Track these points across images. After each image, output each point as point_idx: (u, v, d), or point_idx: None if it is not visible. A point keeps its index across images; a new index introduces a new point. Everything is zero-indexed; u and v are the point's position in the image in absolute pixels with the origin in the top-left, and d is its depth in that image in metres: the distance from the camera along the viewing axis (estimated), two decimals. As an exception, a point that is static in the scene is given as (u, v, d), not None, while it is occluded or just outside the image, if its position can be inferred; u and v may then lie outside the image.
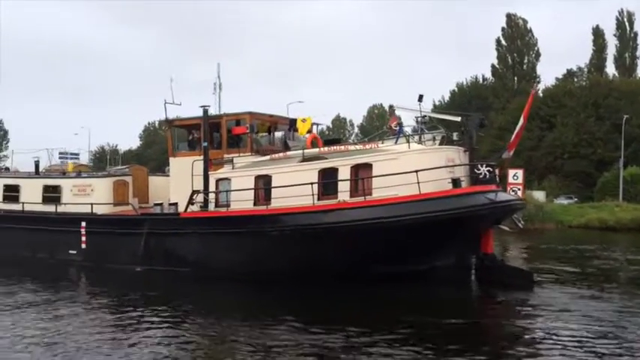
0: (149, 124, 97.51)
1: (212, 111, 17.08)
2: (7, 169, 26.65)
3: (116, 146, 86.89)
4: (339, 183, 14.27)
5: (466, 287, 14.18)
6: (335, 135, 72.51)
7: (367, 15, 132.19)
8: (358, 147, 14.77)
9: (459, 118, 15.35)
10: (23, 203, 19.15)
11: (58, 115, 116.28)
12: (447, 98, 70.64)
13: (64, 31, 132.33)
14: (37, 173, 20.94)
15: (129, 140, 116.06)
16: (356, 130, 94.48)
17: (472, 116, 15.26)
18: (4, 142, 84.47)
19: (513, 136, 15.42)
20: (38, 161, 20.77)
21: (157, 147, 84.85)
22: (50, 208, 18.67)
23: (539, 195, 41.64)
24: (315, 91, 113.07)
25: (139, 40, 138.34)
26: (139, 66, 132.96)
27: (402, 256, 13.80)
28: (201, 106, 16.28)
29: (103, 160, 68.81)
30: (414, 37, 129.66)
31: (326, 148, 15.17)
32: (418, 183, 13.04)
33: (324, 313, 11.47)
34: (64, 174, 20.21)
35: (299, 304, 12.46)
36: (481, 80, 70.11)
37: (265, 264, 14.43)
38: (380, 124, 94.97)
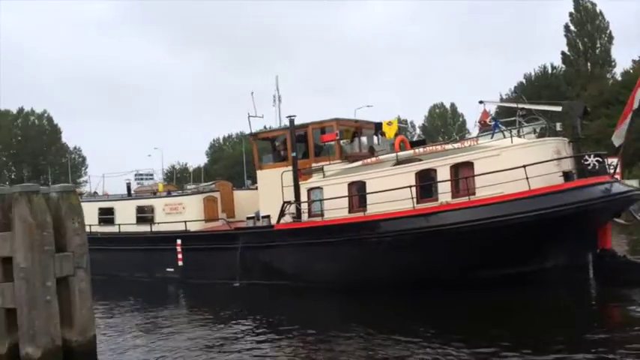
0: (214, 140, 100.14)
1: (272, 123, 17.14)
2: (95, 193, 27.77)
3: (185, 164, 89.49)
4: (439, 184, 13.72)
5: (586, 288, 13.17)
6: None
7: (418, 15, 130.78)
8: (455, 146, 14.15)
9: (559, 108, 14.42)
10: (119, 225, 19.73)
11: (131, 140, 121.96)
12: (512, 91, 68.13)
13: (126, 63, 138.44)
14: (129, 195, 21.61)
15: (197, 158, 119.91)
16: (418, 131, 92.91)
17: (575, 104, 14.32)
18: (83, 167, 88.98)
19: (621, 122, 14.33)
20: (130, 183, 21.43)
21: (222, 163, 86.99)
22: (145, 228, 19.15)
23: (634, 183, 39.11)
24: (369, 95, 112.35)
25: (193, 62, 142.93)
26: (196, 85, 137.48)
27: (512, 257, 13.02)
28: (288, 117, 16.21)
29: (173, 179, 70.94)
30: (468, 34, 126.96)
31: (421, 149, 14.67)
32: (527, 179, 12.30)
33: (433, 322, 10.90)
34: (154, 194, 20.73)
35: (404, 313, 11.98)
36: (550, 69, 67.14)
37: (365, 273, 14.06)
38: (442, 123, 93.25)
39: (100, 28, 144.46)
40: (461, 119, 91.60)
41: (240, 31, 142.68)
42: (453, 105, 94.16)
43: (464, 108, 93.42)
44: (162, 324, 12.14)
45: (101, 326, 10.66)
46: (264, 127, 17.95)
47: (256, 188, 21.12)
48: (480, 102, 16.37)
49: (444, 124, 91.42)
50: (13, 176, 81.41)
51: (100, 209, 21.05)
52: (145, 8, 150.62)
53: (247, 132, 18.58)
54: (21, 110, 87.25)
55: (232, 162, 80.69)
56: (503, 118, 16.04)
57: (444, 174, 13.67)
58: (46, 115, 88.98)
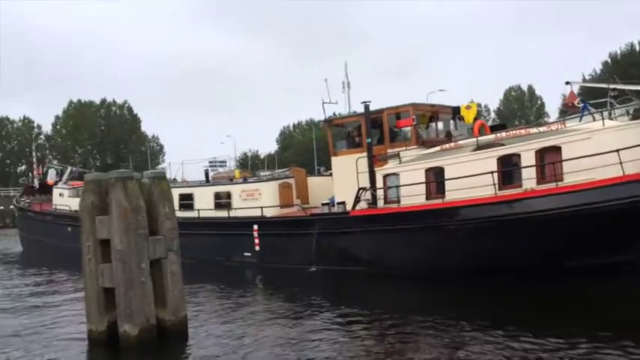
0: (284, 127, 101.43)
1: (341, 109, 16.99)
2: (174, 180, 28.89)
3: (257, 151, 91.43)
4: (523, 170, 13.16)
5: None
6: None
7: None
8: (541, 129, 13.49)
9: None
10: (198, 210, 20.42)
11: (204, 129, 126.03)
12: (598, 71, 64.27)
13: (199, 54, 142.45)
14: (207, 181, 22.31)
15: (267, 145, 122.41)
16: (492, 115, 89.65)
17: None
18: (161, 155, 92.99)
19: None
20: (208, 170, 22.08)
21: (292, 149, 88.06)
22: (222, 214, 19.71)
23: None
24: (442, 79, 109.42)
25: (264, 50, 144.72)
26: (267, 73, 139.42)
27: (601, 247, 12.30)
28: (363, 102, 16.07)
29: (248, 166, 72.67)
30: (543, 13, 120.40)
31: (503, 134, 14.11)
32: (621, 163, 11.53)
33: (515, 312, 10.58)
34: (231, 180, 21.26)
35: (482, 303, 11.59)
36: (638, 47, 62.71)
37: (442, 260, 13.78)
38: (519, 106, 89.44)
39: (173, 21, 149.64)
40: (539, 102, 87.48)
41: (310, 17, 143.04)
42: (530, 87, 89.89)
43: (542, 90, 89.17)
44: (246, 306, 12.42)
45: (189, 307, 11.02)
46: (334, 114, 17.85)
47: (330, 175, 21.24)
48: (567, 83, 15.53)
49: (520, 107, 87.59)
50: (98, 164, 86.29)
51: (180, 195, 21.82)
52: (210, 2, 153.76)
53: (318, 119, 18.63)
54: (104, 101, 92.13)
55: (302, 149, 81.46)
56: (591, 100, 15.13)
57: (528, 159, 13.09)
58: (126, 105, 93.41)
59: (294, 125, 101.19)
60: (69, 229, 27.00)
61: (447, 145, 14.77)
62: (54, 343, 9.70)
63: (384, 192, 15.68)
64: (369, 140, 15.72)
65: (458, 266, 13.44)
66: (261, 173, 25.94)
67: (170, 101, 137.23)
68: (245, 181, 20.77)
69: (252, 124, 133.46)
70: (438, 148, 14.89)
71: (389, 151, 16.12)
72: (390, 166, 15.69)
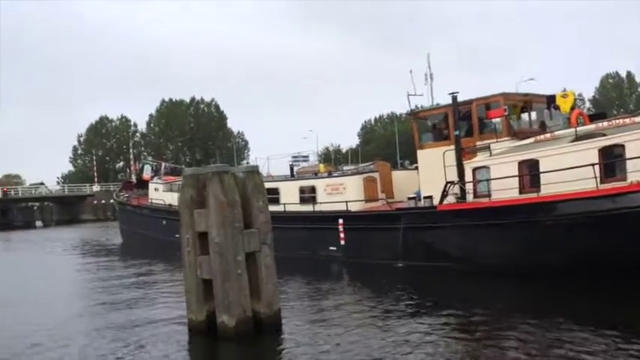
0: (365, 122, 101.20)
1: (424, 102, 16.52)
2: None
3: (339, 146, 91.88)
4: (627, 162, 12.23)
5: None
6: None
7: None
8: (649, 118, 12.47)
9: None
10: (284, 204, 20.78)
11: (287, 124, 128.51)
12: None
13: (282, 52, 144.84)
14: (292, 176, 22.67)
15: (349, 139, 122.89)
16: (587, 104, 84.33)
17: None
18: (246, 150, 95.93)
19: None
20: (292, 165, 22.40)
21: (374, 144, 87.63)
22: (307, 208, 19.93)
23: None
24: (530, 69, 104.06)
25: (345, 45, 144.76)
26: (347, 68, 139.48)
27: None
28: (450, 94, 15.61)
29: (331, 160, 73.24)
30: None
31: (605, 123, 13.20)
32: None
33: (621, 312, 9.86)
34: (316, 175, 21.46)
35: (583, 300, 11.01)
36: None
37: (537, 257, 13.12)
38: (617, 94, 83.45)
39: (258, 20, 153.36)
40: (639, 89, 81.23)
41: (391, 9, 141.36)
42: (629, 74, 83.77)
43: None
44: (335, 301, 12.37)
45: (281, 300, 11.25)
46: (416, 107, 17.52)
47: (414, 169, 20.87)
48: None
49: (619, 95, 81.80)
50: (187, 159, 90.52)
51: (267, 189, 22.29)
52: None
53: (400, 112, 18.38)
54: (193, 99, 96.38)
55: (384, 143, 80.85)
56: None
57: (634, 150, 12.13)
58: (214, 103, 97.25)
59: (375, 119, 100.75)
60: (164, 222, 28.53)
61: (542, 137, 14.03)
62: (158, 331, 10.23)
63: (474, 186, 15.18)
64: (457, 132, 15.26)
65: (555, 264, 12.79)
66: (345, 167, 26.01)
67: (254, 98, 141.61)
68: (330, 175, 20.91)
69: (334, 119, 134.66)
70: (532, 140, 14.18)
71: (478, 143, 15.57)
72: (480, 159, 15.15)
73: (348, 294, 13.55)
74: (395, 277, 15.43)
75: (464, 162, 15.29)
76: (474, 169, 15.18)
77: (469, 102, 16.02)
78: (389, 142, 78.18)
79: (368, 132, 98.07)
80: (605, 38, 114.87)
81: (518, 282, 12.98)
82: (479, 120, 16.01)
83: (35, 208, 77.94)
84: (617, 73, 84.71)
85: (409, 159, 28.95)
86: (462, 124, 16.43)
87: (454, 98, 15.54)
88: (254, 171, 9.76)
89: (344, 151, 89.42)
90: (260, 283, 9.06)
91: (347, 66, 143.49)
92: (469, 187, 15.21)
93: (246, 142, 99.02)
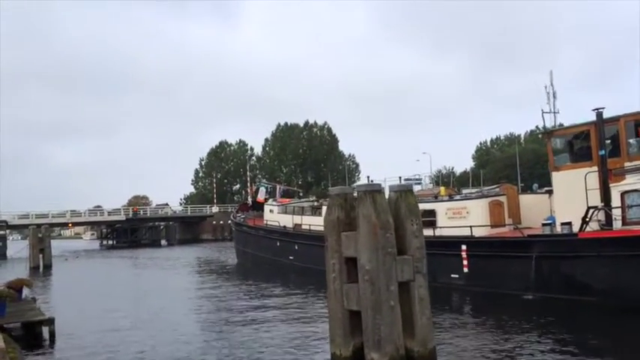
0: (480, 143, 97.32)
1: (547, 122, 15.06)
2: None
3: (452, 169, 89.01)
4: None
5: None
6: None
7: None
8: None
9: None
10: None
11: (398, 147, 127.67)
12: None
13: (387, 74, 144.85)
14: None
15: (463, 161, 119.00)
16: None
17: None
18: (357, 173, 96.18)
19: None
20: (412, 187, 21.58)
21: (490, 166, 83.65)
22: (428, 232, 18.91)
23: None
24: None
25: (451, 66, 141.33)
26: (458, 88, 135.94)
27: None
28: (594, 109, 14.09)
29: (440, 183, 70.92)
30: None
31: None
32: None
33: None
34: (436, 198, 20.50)
35: None
36: None
37: None
38: None
39: (360, 44, 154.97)
40: None
41: (499, 28, 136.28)
42: None
43: None
44: (484, 337, 11.22)
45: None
46: (536, 128, 16.12)
47: (544, 192, 19.25)
48: None
49: None
50: (299, 182, 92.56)
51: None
52: (395, 22, 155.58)
53: (518, 132, 16.97)
54: (306, 123, 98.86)
55: (501, 165, 76.90)
56: None
57: None
58: (326, 126, 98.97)
59: (491, 140, 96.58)
60: (278, 244, 28.96)
61: None
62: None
63: (622, 211, 13.46)
64: (602, 152, 13.69)
65: None
66: (466, 191, 24.70)
67: (365, 121, 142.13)
68: (451, 198, 19.84)
69: (446, 141, 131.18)
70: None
71: (627, 164, 13.85)
72: (631, 182, 13.42)
73: (492, 328, 12.07)
74: (528, 310, 13.93)
75: (610, 185, 13.66)
76: (623, 193, 13.48)
77: (616, 119, 14.37)
78: (506, 165, 74.21)
79: (483, 154, 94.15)
80: None
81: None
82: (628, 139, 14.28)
83: (162, 227, 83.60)
84: None
85: (535, 182, 26.93)
86: (607, 143, 14.78)
87: (599, 114, 14.01)
88: (408, 190, 8.67)
89: (457, 174, 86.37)
90: (414, 316, 7.98)
91: (458, 86, 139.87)
92: (617, 212, 13.52)
93: (357, 165, 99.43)
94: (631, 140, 14.44)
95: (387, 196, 8.42)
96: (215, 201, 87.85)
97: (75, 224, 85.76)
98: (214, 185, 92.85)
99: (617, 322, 12.13)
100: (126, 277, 30.44)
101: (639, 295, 12.41)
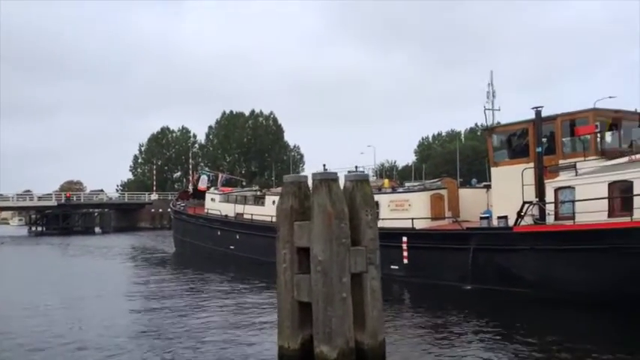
0: (422, 139, 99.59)
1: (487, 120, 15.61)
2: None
3: (395, 162, 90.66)
4: None
5: None
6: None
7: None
8: None
9: None
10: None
11: (342, 139, 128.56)
12: None
13: (330, 69, 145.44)
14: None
15: (405, 156, 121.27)
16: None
17: None
18: (301, 164, 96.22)
19: None
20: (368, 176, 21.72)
21: (431, 161, 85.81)
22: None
23: None
24: (582, 91, 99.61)
25: (392, 63, 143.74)
26: (399, 85, 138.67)
27: None
28: (534, 108, 14.56)
29: (383, 176, 72.09)
30: None
31: None
32: None
33: None
34: (379, 190, 20.67)
35: None
36: None
37: (629, 287, 11.84)
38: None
39: (310, 36, 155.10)
40: None
41: (436, 29, 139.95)
42: None
43: None
44: (437, 328, 11.24)
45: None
46: (476, 125, 16.66)
47: (482, 187, 19.81)
48: None
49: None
50: (243, 171, 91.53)
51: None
52: (345, 17, 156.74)
53: (459, 129, 17.44)
54: (252, 112, 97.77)
55: (442, 161, 79.03)
56: None
57: None
58: (272, 116, 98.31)
59: (433, 136, 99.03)
60: (218, 233, 28.46)
61: (638, 156, 12.75)
62: (244, 355, 9.28)
63: (556, 207, 14.00)
64: (539, 149, 14.17)
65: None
66: (409, 184, 25.09)
67: (310, 113, 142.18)
68: (394, 191, 20.07)
69: (391, 136, 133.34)
70: (625, 159, 12.93)
71: (561, 161, 14.42)
72: (564, 179, 13.98)
73: (434, 319, 12.17)
74: (466, 300, 14.32)
75: (545, 181, 14.18)
76: (557, 189, 14.03)
77: (553, 117, 14.93)
78: (447, 160, 76.35)
79: (425, 149, 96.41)
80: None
81: (603, 313, 11.85)
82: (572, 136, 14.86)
83: (96, 214, 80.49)
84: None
85: (474, 177, 27.70)
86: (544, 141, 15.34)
87: (538, 113, 14.49)
88: (364, 180, 8.38)
89: (400, 167, 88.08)
90: (365, 308, 7.79)
91: (403, 83, 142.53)
92: (550, 208, 14.06)
93: (302, 156, 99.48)
94: (565, 139, 15.05)
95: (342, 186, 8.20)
96: (155, 188, 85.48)
97: (1, 209, 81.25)
98: (154, 172, 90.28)
99: (548, 312, 12.60)
100: (53, 265, 28.83)
101: (569, 287, 12.94)
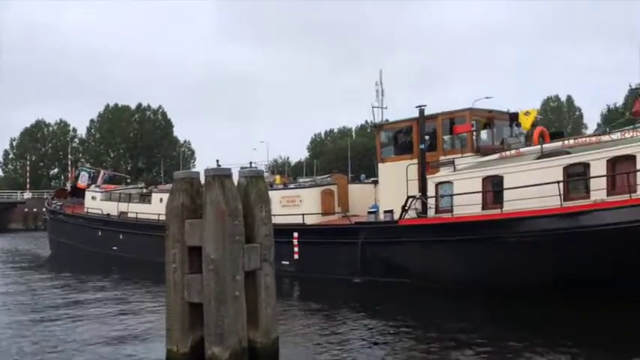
0: (315, 135, 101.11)
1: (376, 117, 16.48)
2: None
3: (287, 158, 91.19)
4: (591, 180, 12.19)
5: None
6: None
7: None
8: (613, 137, 12.50)
9: None
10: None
11: (235, 136, 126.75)
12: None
13: (225, 65, 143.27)
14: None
15: (298, 152, 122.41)
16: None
17: None
18: (192, 160, 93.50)
19: None
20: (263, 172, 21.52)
21: (323, 157, 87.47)
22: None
23: None
24: (465, 91, 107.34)
25: (287, 62, 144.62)
26: (292, 84, 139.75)
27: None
28: (417, 106, 15.29)
29: (276, 172, 72.45)
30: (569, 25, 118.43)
31: (571, 141, 13.18)
32: None
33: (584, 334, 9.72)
34: (271, 186, 20.62)
35: (540, 322, 10.67)
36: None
37: (499, 275, 12.87)
38: (555, 117, 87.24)
39: (205, 31, 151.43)
40: (577, 113, 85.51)
41: (333, 29, 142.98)
42: (569, 98, 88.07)
43: (581, 102, 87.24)
44: (330, 323, 11.31)
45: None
46: (366, 122, 17.34)
47: (370, 182, 20.49)
48: (634, 90, 14.48)
49: (557, 118, 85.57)
50: (129, 167, 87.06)
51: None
52: (241, 13, 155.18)
53: (349, 126, 18.02)
54: (139, 106, 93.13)
55: (334, 157, 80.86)
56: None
57: (599, 169, 12.13)
58: (160, 110, 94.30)
59: (325, 133, 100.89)
60: (99, 233, 26.79)
61: (508, 153, 13.88)
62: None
63: (436, 201, 14.85)
64: (422, 146, 14.93)
65: (517, 281, 12.51)
66: (300, 180, 25.31)
67: (202, 108, 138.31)
68: (285, 187, 20.15)
69: (284, 132, 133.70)
70: (496, 156, 14.02)
71: (442, 158, 15.31)
72: (444, 174, 14.86)
73: (326, 312, 12.42)
74: (355, 293, 14.76)
75: (427, 176, 14.96)
76: (437, 184, 14.87)
77: (434, 116, 15.77)
78: (339, 156, 78.27)
79: (317, 146, 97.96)
80: (545, 62, 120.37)
81: (478, 300, 12.71)
82: (450, 134, 15.79)
83: (-41, 214, 72.56)
84: (557, 96, 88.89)
85: (363, 173, 28.61)
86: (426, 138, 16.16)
87: (421, 112, 15.24)
88: (259, 176, 8.32)
89: (293, 163, 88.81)
90: (259, 306, 7.71)
91: (297, 80, 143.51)
92: (431, 202, 14.87)
93: (193, 152, 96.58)
94: (445, 137, 16.00)
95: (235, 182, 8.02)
96: (28, 186, 78.56)
97: None
98: (27, 169, 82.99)
99: (427, 300, 13.38)
100: None
101: (447, 277, 13.79)
